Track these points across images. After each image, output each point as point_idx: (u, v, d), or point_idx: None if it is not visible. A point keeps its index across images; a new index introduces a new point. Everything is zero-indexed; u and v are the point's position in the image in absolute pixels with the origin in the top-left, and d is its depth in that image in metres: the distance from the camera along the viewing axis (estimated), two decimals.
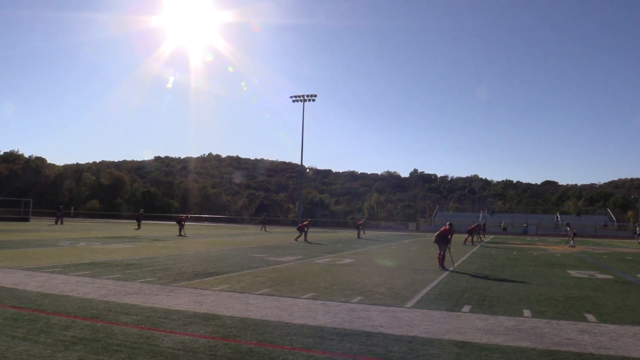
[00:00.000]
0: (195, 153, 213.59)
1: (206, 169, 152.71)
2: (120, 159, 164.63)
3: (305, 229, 27.75)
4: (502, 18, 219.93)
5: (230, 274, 11.33)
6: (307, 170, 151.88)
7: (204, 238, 27.56)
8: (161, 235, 28.64)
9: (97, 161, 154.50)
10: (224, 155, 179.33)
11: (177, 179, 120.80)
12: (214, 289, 9.15)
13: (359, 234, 35.78)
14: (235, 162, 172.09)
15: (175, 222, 33.83)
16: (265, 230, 44.95)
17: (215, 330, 5.89)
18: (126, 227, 42.00)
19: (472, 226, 31.42)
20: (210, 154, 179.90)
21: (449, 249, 14.30)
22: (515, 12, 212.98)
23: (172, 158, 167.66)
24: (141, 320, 6.30)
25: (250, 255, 16.84)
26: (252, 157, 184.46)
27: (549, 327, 6.61)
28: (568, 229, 33.38)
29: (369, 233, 44.47)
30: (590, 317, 7.37)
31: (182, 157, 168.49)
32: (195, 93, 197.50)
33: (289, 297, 8.47)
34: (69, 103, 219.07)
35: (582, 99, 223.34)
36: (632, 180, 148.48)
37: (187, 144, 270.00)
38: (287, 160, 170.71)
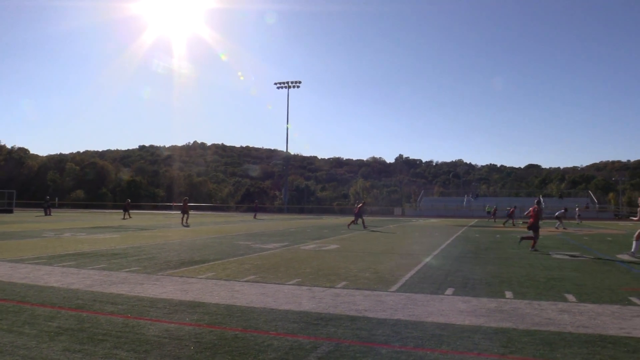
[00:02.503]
0: (180, 141, 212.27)
1: (191, 157, 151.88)
2: (105, 149, 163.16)
3: (362, 214, 27.06)
4: (482, 3, 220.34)
5: (216, 262, 11.35)
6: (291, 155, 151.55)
7: (190, 226, 27.49)
8: (148, 225, 28.54)
9: (81, 151, 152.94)
10: (209, 144, 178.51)
11: (162, 168, 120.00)
12: (200, 277, 9.17)
13: (357, 220, 27.97)
14: (221, 150, 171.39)
15: (180, 211, 32.65)
16: (256, 217, 45.03)
17: (200, 318, 5.93)
18: (112, 217, 41.76)
19: (512, 209, 32.88)
20: (195, 142, 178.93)
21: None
22: None
23: (157, 147, 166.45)
24: (127, 310, 6.31)
25: (236, 242, 16.87)
26: (238, 145, 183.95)
27: (530, 307, 6.74)
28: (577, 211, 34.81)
29: (349, 219, 44.57)
30: (570, 297, 7.53)
31: (167, 145, 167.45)
32: (180, 81, 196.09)
33: (275, 283, 8.53)
34: (51, 93, 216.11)
35: (564, 84, 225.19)
36: (613, 162, 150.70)
37: (172, 133, 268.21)
38: (272, 147, 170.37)
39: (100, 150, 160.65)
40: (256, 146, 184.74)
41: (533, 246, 14.99)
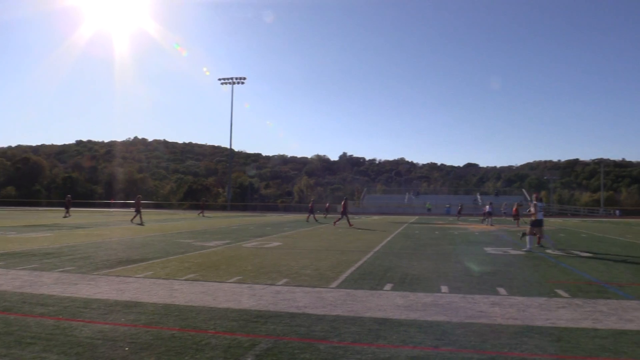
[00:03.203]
0: (120, 137, 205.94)
1: (132, 153, 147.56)
2: (39, 143, 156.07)
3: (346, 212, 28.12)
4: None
5: (155, 261, 11.11)
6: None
7: (128, 224, 26.73)
8: (85, 223, 27.52)
9: (13, 145, 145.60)
10: (150, 139, 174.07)
11: (100, 163, 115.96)
12: (138, 276, 8.95)
13: (310, 217, 34.45)
14: (163, 146, 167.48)
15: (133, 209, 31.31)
16: (203, 215, 44.36)
17: (137, 318, 5.79)
18: (46, 215, 39.98)
19: (515, 208, 33.88)
20: (136, 138, 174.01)
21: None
22: None
23: (95, 142, 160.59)
24: (58, 311, 6.08)
25: (177, 240, 16.56)
26: (181, 141, 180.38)
27: (464, 301, 6.99)
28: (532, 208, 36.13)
29: (298, 216, 44.74)
30: (501, 290, 7.86)
31: (105, 140, 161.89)
32: (121, 74, 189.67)
33: (215, 281, 8.44)
34: None
35: (499, 87, 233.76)
36: (545, 162, 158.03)
37: (112, 128, 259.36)
38: (216, 144, 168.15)
39: (34, 145, 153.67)
40: (199, 142, 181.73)
41: (539, 242, 15.65)
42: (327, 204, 36.21)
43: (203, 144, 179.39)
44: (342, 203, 29.15)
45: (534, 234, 14.91)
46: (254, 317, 5.90)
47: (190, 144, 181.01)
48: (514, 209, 34.85)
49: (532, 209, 14.93)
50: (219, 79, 73.29)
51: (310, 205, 35.82)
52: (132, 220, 29.34)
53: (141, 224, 27.75)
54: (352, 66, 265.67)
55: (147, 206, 75.83)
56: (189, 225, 27.22)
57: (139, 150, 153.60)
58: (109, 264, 10.40)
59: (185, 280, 8.56)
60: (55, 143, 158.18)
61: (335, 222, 29.09)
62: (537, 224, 14.83)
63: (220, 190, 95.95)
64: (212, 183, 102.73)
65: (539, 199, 15.12)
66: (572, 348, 4.83)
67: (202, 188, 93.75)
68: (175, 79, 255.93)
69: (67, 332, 5.13)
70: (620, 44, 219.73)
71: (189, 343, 4.82)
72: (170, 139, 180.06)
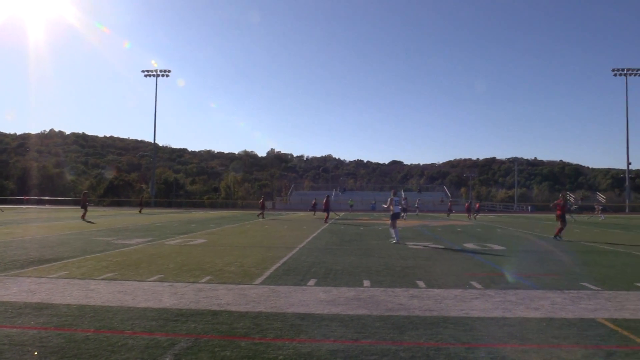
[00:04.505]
0: (34, 129, 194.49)
1: (47, 146, 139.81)
2: None
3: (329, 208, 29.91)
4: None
5: (70, 260, 10.59)
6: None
7: (43, 222, 25.32)
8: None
9: None
10: (68, 132, 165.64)
11: (12, 157, 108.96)
12: (51, 276, 8.51)
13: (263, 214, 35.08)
14: (82, 140, 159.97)
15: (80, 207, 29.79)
16: (141, 212, 43.02)
17: (48, 321, 5.51)
18: None
19: (467, 204, 37.48)
20: (52, 131, 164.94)
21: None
22: None
23: (6, 134, 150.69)
24: None
25: (95, 238, 15.88)
26: (101, 135, 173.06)
27: (385, 294, 7.18)
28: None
29: (224, 213, 44.14)
30: (420, 283, 8.14)
31: (18, 133, 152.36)
32: (35, 64, 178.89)
33: (135, 280, 8.17)
34: None
35: (422, 88, 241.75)
36: (465, 160, 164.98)
37: (25, 120, 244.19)
38: (139, 138, 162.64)
39: None
40: (121, 136, 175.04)
41: (558, 234, 17.58)
42: (262, 199, 36.41)
43: (125, 138, 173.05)
44: (325, 200, 30.87)
45: (394, 227, 15.96)
46: (175, 316, 5.77)
47: (111, 137, 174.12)
48: (466, 205, 37.76)
49: (388, 204, 16.05)
50: (143, 71, 70.91)
51: (313, 202, 39.67)
52: (82, 217, 28.03)
53: (85, 220, 26.87)
54: (280, 62, 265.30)
55: (64, 202, 72.29)
56: (109, 222, 26.12)
57: (55, 143, 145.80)
58: (19, 265, 9.81)
59: (102, 279, 8.23)
60: None
61: (325, 220, 29.67)
62: (394, 217, 15.96)
63: (144, 186, 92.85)
64: (135, 179, 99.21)
65: (395, 194, 16.26)
66: (483, 336, 5.09)
67: (124, 184, 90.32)
68: (95, 70, 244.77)
69: None
70: (531, 50, 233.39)
71: (104, 345, 4.65)
72: (90, 133, 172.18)
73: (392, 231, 15.93)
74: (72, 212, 41.60)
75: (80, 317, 5.68)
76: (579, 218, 38.81)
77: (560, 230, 17.65)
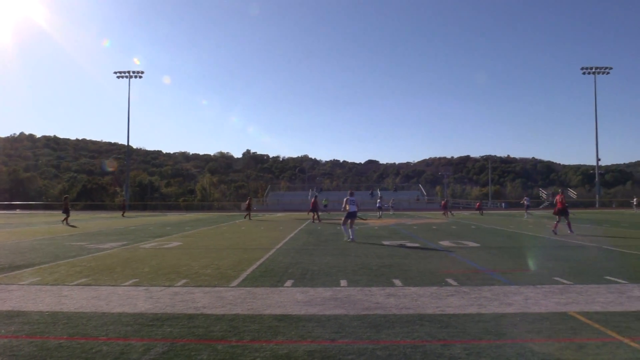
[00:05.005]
0: (3, 132, 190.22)
1: (17, 150, 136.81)
2: None
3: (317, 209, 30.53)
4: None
5: (42, 266, 10.38)
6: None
7: (13, 227, 24.76)
8: None
9: None
10: (38, 135, 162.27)
11: None
12: (22, 283, 8.32)
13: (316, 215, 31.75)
14: (53, 143, 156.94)
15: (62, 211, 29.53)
16: (124, 215, 42.39)
17: (19, 329, 5.39)
18: None
19: (444, 202, 40.49)
20: (22, 134, 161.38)
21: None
22: None
23: None
24: None
25: (68, 243, 15.59)
26: (73, 138, 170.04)
27: (362, 294, 7.21)
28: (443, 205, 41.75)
29: (200, 215, 43.71)
30: (397, 282, 8.20)
31: None
32: (3, 65, 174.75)
33: (109, 285, 8.05)
34: None
35: (397, 86, 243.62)
36: (439, 159, 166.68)
37: None
38: (112, 141, 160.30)
39: None
40: (94, 139, 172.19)
41: (555, 228, 18.62)
42: (248, 201, 36.71)
43: (98, 140, 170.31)
44: (312, 201, 31.75)
45: (347, 224, 16.35)
46: (150, 321, 5.70)
47: (84, 140, 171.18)
48: (443, 202, 39.36)
49: (344, 203, 16.66)
50: (115, 72, 69.93)
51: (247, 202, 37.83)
52: (65, 222, 27.87)
53: (67, 224, 26.72)
54: (255, 63, 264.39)
55: (35, 207, 70.85)
56: (82, 226, 25.66)
57: (25, 147, 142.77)
58: None
59: (75, 285, 8.09)
60: None
61: (313, 220, 30.47)
62: (349, 216, 16.28)
63: (118, 189, 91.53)
64: (109, 182, 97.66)
65: (351, 194, 16.82)
66: (459, 333, 5.15)
67: (98, 187, 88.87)
68: (67, 72, 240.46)
69: None
70: (502, 50, 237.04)
71: (77, 352, 4.57)
72: (61, 136, 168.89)
73: (343, 228, 16.63)
74: (44, 217, 40.81)
75: (52, 324, 5.57)
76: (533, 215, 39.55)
77: (556, 224, 18.85)
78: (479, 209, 45.76)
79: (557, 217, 18.90)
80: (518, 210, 53.41)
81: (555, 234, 17.99)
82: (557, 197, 19.41)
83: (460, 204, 77.36)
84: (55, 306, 6.50)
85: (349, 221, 16.25)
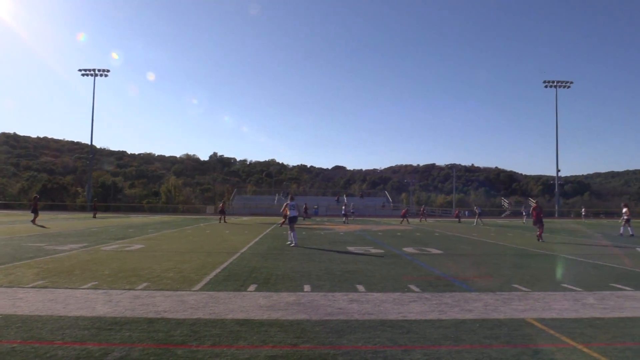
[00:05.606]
0: None
1: None
2: None
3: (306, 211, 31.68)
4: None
5: None
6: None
7: (47, 227, 23.90)
8: None
9: None
10: None
11: None
12: None
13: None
14: (12, 140, 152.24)
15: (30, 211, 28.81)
16: (95, 217, 41.27)
17: None
18: None
19: (404, 210, 40.34)
20: None
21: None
22: None
23: None
24: None
25: (26, 244, 15.13)
26: (34, 135, 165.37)
27: (325, 299, 7.23)
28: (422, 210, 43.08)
29: (164, 217, 43.10)
30: (360, 287, 8.24)
31: None
32: None
33: (67, 288, 7.85)
34: None
35: (368, 93, 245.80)
36: (406, 166, 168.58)
37: None
38: (75, 140, 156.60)
39: None
40: (56, 137, 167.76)
41: (540, 236, 19.64)
42: (222, 204, 36.17)
43: (61, 139, 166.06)
44: (304, 206, 33.53)
45: (292, 230, 16.67)
46: (108, 325, 5.58)
47: (45, 138, 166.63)
48: (403, 211, 39.99)
49: (283, 208, 17.28)
50: (80, 70, 68.43)
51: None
52: (33, 222, 27.11)
53: (35, 224, 26.14)
54: (223, 64, 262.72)
55: None
56: (41, 227, 24.95)
57: None
58: None
59: (31, 287, 7.86)
60: None
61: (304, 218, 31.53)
62: (291, 221, 16.62)
63: (80, 189, 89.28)
64: (70, 182, 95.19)
65: (291, 199, 17.16)
66: (419, 338, 5.22)
67: (59, 187, 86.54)
68: (27, 68, 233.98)
69: None
70: (467, 63, 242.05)
71: (31, 356, 4.44)
72: (21, 133, 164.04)
73: (291, 234, 16.60)
74: (2, 217, 39.48)
75: (5, 328, 5.39)
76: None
77: (541, 233, 19.82)
78: (457, 217, 47.13)
79: (537, 226, 19.92)
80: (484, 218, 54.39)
81: (543, 241, 19.22)
82: (533, 208, 20.71)
83: (436, 212, 78.61)
84: (9, 309, 6.30)
85: (291, 226, 16.54)
